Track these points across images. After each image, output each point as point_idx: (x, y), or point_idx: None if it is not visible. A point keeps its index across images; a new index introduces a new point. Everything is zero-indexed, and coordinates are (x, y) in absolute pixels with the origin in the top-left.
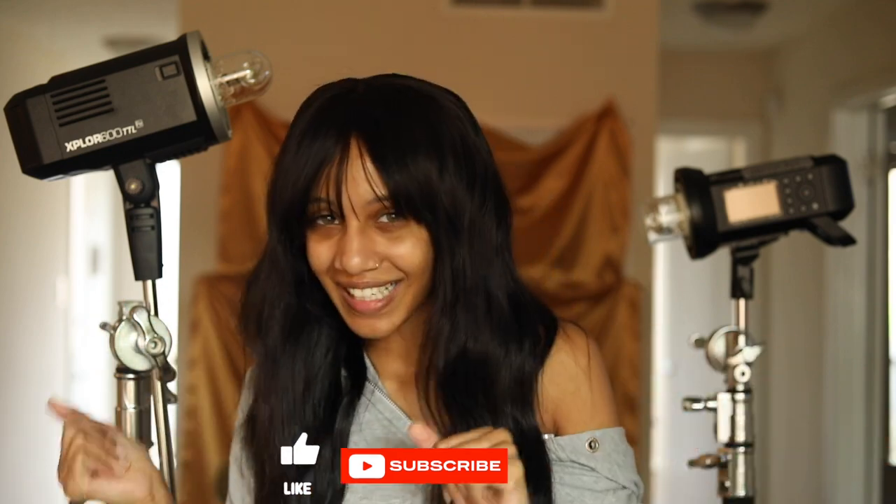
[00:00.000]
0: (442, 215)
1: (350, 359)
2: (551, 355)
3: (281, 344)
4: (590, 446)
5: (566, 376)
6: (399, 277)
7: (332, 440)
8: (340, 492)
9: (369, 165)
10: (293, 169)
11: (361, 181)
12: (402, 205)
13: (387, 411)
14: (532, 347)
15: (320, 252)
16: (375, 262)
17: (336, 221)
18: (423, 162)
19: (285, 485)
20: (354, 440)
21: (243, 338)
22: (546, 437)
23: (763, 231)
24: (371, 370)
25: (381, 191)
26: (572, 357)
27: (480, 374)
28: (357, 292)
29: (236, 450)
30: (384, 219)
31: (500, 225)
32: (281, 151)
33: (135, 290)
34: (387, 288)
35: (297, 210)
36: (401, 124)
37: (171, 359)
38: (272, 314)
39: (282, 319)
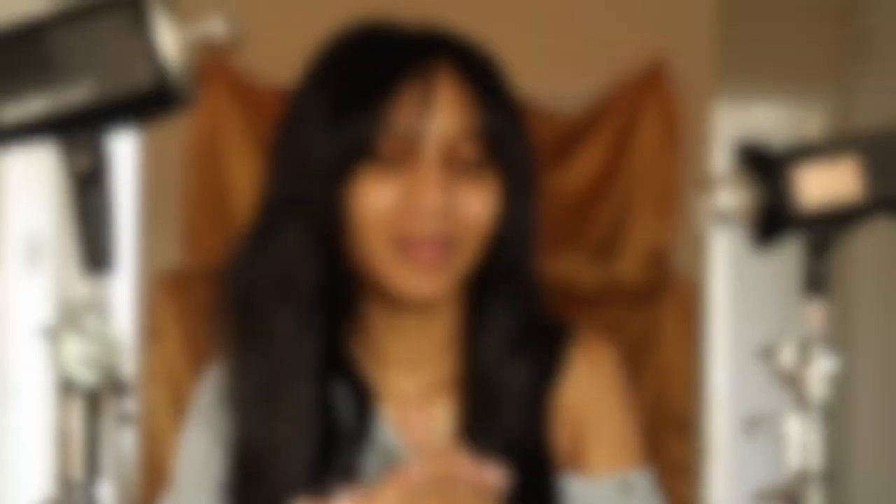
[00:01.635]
0: (523, 165)
1: (347, 372)
2: (570, 365)
3: (291, 336)
4: (621, 490)
5: (588, 391)
6: (460, 238)
7: (343, 471)
8: None
9: (465, 91)
10: (357, 86)
11: (455, 107)
12: (495, 141)
13: (387, 443)
14: (548, 351)
15: (381, 194)
16: (452, 206)
17: (397, 163)
18: (513, 105)
19: None
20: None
21: (229, 318)
22: (573, 480)
23: (844, 217)
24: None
25: (476, 124)
26: (590, 371)
27: (508, 387)
28: (421, 248)
29: (197, 459)
30: (464, 164)
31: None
32: (323, 69)
33: (82, 287)
34: (449, 245)
35: (361, 141)
36: (491, 67)
37: (128, 371)
38: (289, 289)
39: (301, 296)
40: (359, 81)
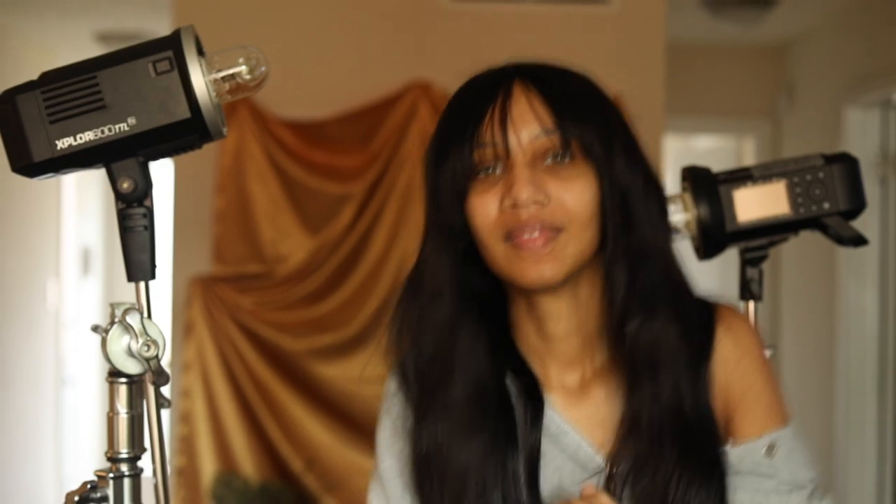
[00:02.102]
0: (611, 157)
1: (514, 365)
2: (718, 340)
3: (448, 330)
4: (767, 451)
5: (734, 366)
6: (562, 225)
7: (523, 451)
8: None
9: (535, 100)
10: (455, 123)
11: (528, 115)
12: (571, 137)
13: (552, 425)
14: (700, 329)
15: (486, 201)
16: (544, 197)
17: (499, 170)
18: (591, 105)
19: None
20: None
21: (395, 328)
22: (729, 449)
23: (773, 231)
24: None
25: (548, 124)
26: (735, 346)
27: (664, 352)
28: (525, 234)
29: (395, 465)
30: (549, 161)
31: (663, 218)
32: (439, 122)
33: (127, 291)
34: (551, 231)
35: (463, 162)
36: (565, 76)
37: (165, 362)
38: (439, 295)
39: (450, 298)
40: (456, 117)
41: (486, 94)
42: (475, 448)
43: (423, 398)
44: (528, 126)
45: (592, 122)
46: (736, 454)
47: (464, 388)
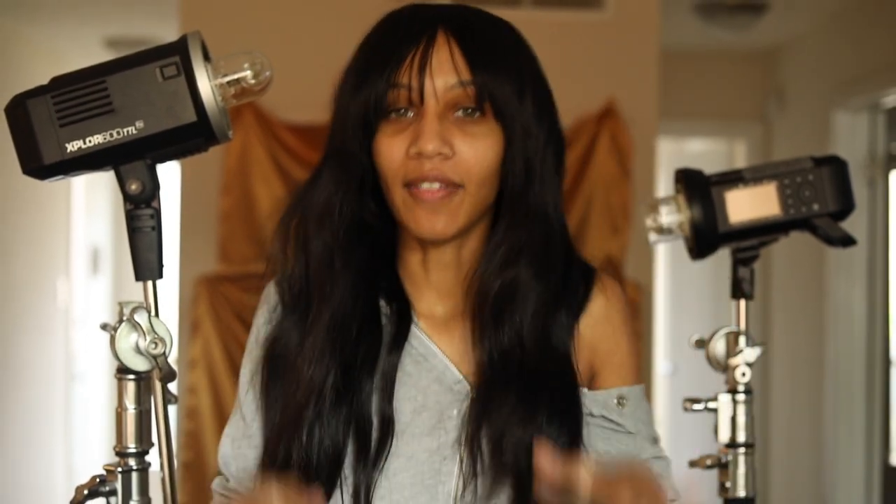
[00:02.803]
0: (522, 118)
1: (389, 291)
2: (591, 299)
3: (328, 253)
4: (618, 402)
5: (603, 323)
6: (461, 181)
7: (380, 367)
8: (389, 421)
9: (456, 51)
10: (375, 59)
11: (446, 64)
12: (486, 94)
13: (421, 346)
14: (574, 287)
15: (393, 144)
16: (449, 150)
17: (411, 114)
18: (510, 60)
19: (311, 408)
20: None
21: (280, 242)
22: (583, 390)
23: (763, 232)
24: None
25: (465, 76)
26: (606, 305)
27: (513, 299)
28: (425, 185)
29: (248, 371)
30: (461, 113)
31: (557, 170)
32: (356, 53)
33: (135, 290)
34: (449, 188)
35: (377, 99)
36: (489, 27)
37: (172, 359)
38: (327, 218)
39: (337, 224)
40: (376, 53)
41: (409, 36)
42: (326, 364)
43: (295, 313)
44: (445, 75)
45: (507, 78)
46: (590, 398)
47: (332, 308)
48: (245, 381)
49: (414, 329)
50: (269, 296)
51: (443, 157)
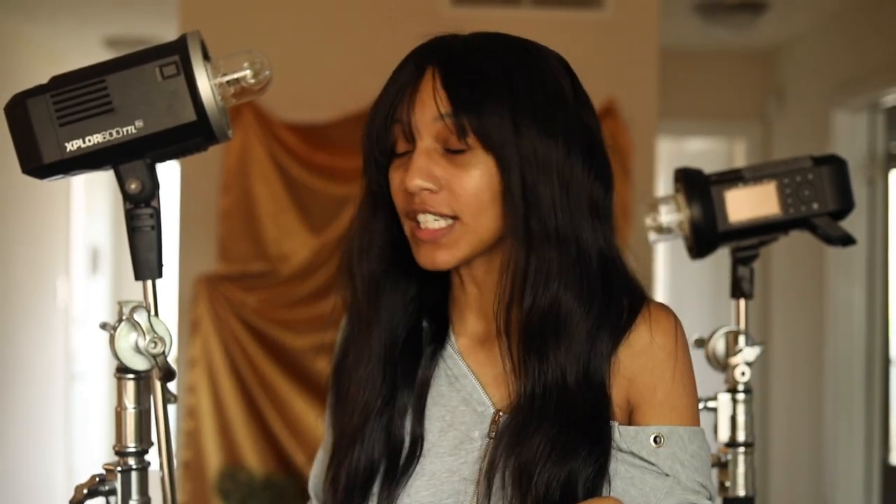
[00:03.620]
0: (512, 144)
1: (433, 312)
2: (633, 328)
3: (374, 280)
4: (655, 441)
5: (643, 355)
6: (454, 213)
7: (415, 387)
8: (418, 440)
9: (438, 86)
10: (382, 100)
11: (429, 99)
12: (465, 125)
13: (455, 367)
14: (616, 315)
15: (394, 180)
16: (435, 185)
17: (411, 149)
18: (494, 88)
19: (357, 430)
20: None
21: (340, 284)
22: (614, 424)
23: (763, 231)
24: (450, 326)
25: (445, 108)
26: (649, 337)
27: (557, 331)
28: (420, 217)
29: (331, 398)
30: (451, 144)
31: (597, 184)
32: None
33: (135, 290)
34: (445, 220)
35: (383, 136)
36: (482, 56)
37: (171, 359)
38: (366, 249)
39: (377, 253)
40: (383, 93)
41: (410, 74)
42: (370, 387)
43: (353, 338)
44: (428, 109)
45: (493, 108)
46: (623, 432)
47: (380, 332)
48: (328, 407)
49: (449, 349)
50: (343, 325)
51: (429, 191)
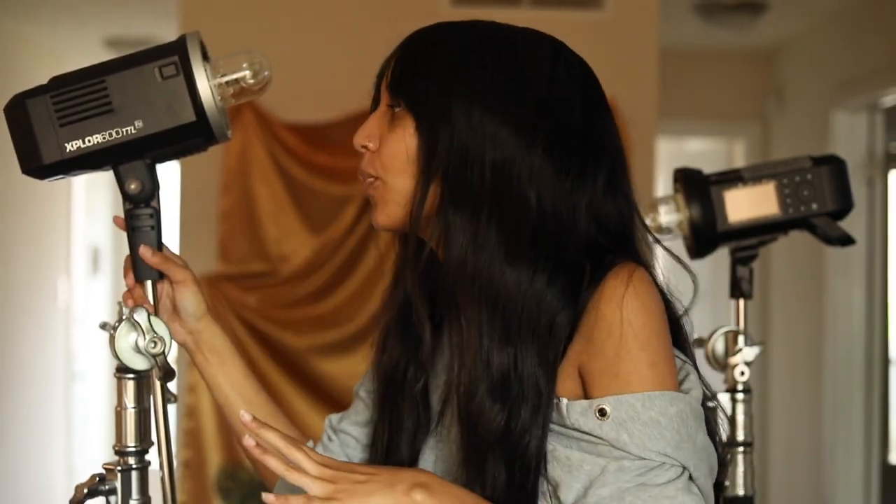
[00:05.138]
0: (437, 110)
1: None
2: (602, 286)
3: (400, 266)
4: (599, 413)
5: (590, 325)
6: (377, 173)
7: (420, 368)
8: (425, 424)
9: (393, 60)
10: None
11: (387, 71)
12: (400, 83)
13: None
14: (568, 284)
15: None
16: (371, 142)
17: None
18: (439, 60)
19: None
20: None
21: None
22: (562, 401)
23: (762, 231)
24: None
25: (388, 69)
26: (598, 304)
27: (489, 303)
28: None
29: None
30: (392, 107)
31: (553, 156)
32: None
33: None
34: (373, 179)
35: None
36: (439, 32)
37: (171, 358)
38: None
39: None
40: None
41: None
42: (390, 374)
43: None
44: (386, 79)
45: (430, 75)
46: (568, 407)
47: (396, 310)
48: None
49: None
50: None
51: (366, 149)
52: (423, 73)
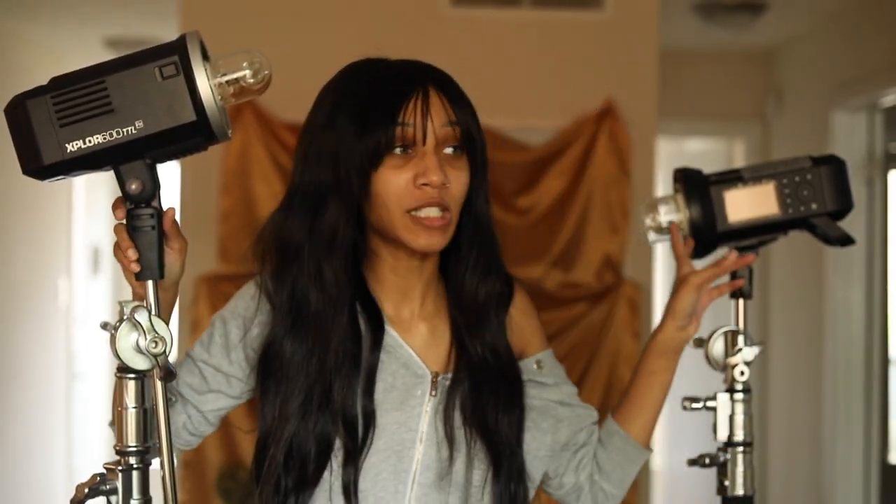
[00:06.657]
0: (480, 155)
1: (362, 297)
2: (514, 296)
3: (335, 277)
4: (537, 365)
5: (523, 309)
6: (449, 206)
7: (366, 369)
8: (371, 414)
9: (444, 98)
10: (376, 104)
11: (440, 108)
12: (465, 134)
13: (390, 340)
14: (508, 282)
15: (399, 176)
16: (448, 181)
17: (410, 151)
18: (471, 107)
19: (307, 405)
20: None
21: (290, 274)
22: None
23: (762, 231)
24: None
25: (453, 117)
26: (519, 295)
27: (499, 311)
28: (430, 211)
29: (219, 337)
30: (449, 150)
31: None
32: (338, 99)
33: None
34: (446, 211)
35: (387, 138)
36: (455, 83)
37: (172, 359)
38: (336, 247)
39: (343, 250)
40: (380, 98)
41: (406, 85)
42: (317, 369)
43: (289, 320)
44: (440, 116)
45: (474, 120)
46: (522, 366)
47: (325, 317)
48: (206, 342)
49: (386, 327)
50: (248, 291)
51: (443, 187)
52: (476, 124)
